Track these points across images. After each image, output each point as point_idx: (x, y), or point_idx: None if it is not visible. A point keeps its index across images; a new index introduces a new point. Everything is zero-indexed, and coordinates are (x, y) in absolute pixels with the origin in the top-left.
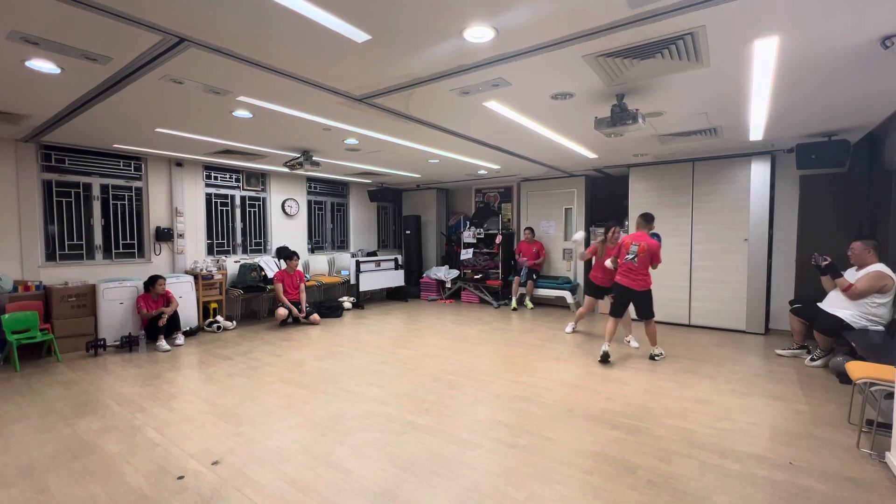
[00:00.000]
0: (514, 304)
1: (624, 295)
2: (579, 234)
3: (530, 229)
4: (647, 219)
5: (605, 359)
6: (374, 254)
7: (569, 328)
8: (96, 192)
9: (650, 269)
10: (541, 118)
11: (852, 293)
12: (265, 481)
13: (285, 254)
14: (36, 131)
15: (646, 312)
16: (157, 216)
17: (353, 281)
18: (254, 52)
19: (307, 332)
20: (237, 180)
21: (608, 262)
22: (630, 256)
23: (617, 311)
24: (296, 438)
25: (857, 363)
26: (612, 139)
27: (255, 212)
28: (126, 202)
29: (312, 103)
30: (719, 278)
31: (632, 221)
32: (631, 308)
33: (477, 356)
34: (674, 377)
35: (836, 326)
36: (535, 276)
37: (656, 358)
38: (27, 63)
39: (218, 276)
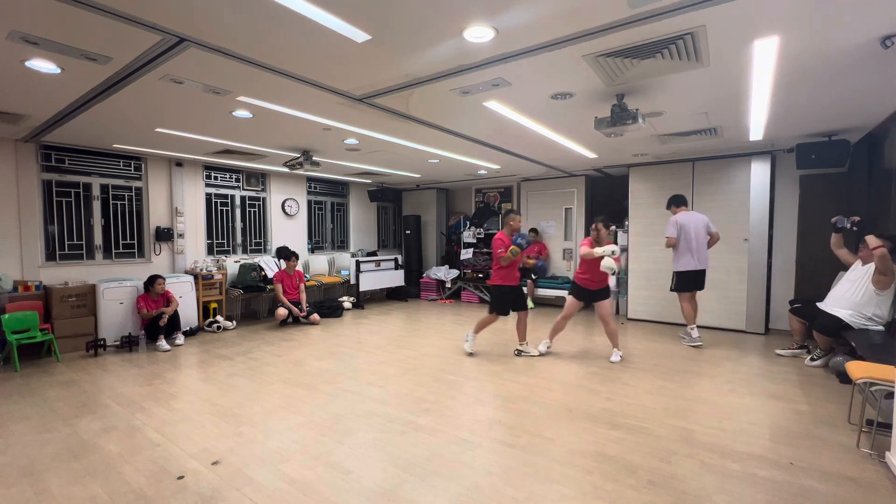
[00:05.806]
0: (530, 304)
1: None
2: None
3: (534, 230)
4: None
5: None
6: (374, 254)
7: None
8: (96, 192)
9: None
10: (541, 118)
11: (881, 258)
12: (265, 481)
13: (285, 254)
14: (36, 131)
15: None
16: (157, 216)
17: (353, 281)
18: (254, 52)
19: (307, 332)
20: (237, 180)
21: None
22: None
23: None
24: (296, 438)
25: (857, 363)
26: (612, 139)
27: (255, 212)
28: (126, 202)
29: (312, 103)
30: (719, 278)
31: (633, 221)
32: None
33: (477, 356)
34: (674, 377)
35: (836, 326)
36: (534, 276)
37: (520, 353)
38: (27, 63)
39: (218, 276)
